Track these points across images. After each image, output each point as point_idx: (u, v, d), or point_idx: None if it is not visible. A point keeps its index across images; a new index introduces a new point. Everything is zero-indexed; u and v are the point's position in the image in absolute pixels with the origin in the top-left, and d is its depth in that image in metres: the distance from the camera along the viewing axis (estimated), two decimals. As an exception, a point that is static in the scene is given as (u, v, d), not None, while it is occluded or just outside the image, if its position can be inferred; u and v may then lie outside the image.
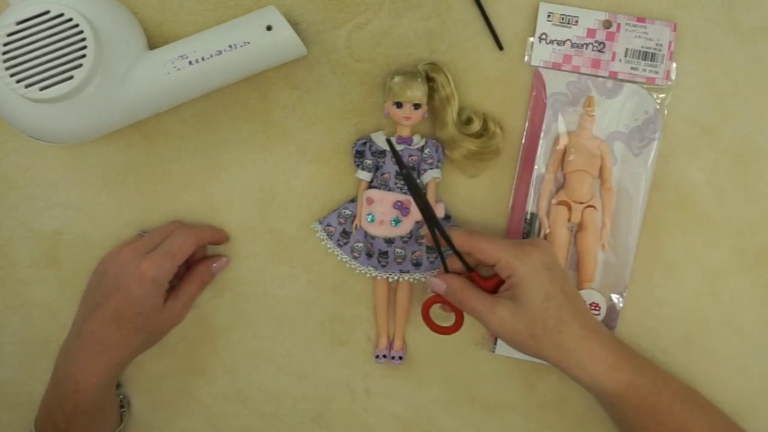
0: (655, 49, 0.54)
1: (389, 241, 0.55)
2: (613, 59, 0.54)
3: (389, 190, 0.54)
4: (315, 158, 0.57)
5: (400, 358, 0.58)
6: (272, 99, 0.56)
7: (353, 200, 0.56)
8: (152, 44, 0.53)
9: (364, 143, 0.55)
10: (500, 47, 0.55)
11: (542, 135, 0.55)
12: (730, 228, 0.56)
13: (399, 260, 0.55)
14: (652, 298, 0.57)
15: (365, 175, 0.55)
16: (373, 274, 0.55)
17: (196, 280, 0.55)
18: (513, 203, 0.56)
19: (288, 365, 0.59)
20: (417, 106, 0.53)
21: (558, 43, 0.54)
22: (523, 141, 0.56)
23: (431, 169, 0.54)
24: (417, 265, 0.55)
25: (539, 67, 0.55)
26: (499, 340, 0.56)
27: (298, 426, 0.60)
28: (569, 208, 0.55)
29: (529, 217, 0.55)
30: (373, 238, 0.55)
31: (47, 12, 0.46)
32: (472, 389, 0.59)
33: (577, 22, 0.54)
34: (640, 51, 0.54)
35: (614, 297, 0.56)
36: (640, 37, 0.54)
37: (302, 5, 0.55)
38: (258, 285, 0.58)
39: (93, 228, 0.58)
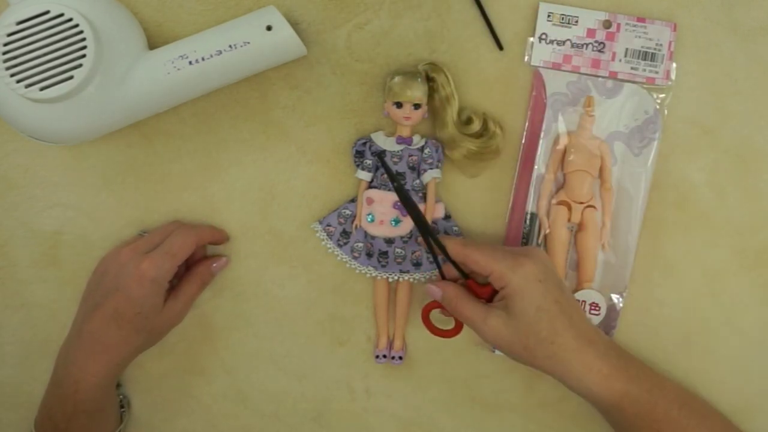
0: (655, 49, 0.54)
1: (389, 241, 0.55)
2: (613, 59, 0.54)
3: (389, 190, 0.54)
4: (315, 158, 0.57)
5: (400, 358, 0.58)
6: (272, 99, 0.56)
7: (353, 200, 0.56)
8: (152, 44, 0.53)
9: (364, 143, 0.55)
10: (500, 47, 0.55)
11: (542, 135, 0.55)
12: (730, 228, 0.56)
13: (399, 260, 0.55)
14: (652, 298, 0.57)
15: (365, 175, 0.55)
16: (373, 274, 0.55)
17: (196, 280, 0.55)
18: (513, 203, 0.56)
19: (288, 365, 0.59)
20: (417, 106, 0.53)
21: (558, 43, 0.54)
22: (523, 141, 0.56)
23: (431, 169, 0.54)
24: (417, 265, 0.55)
25: (539, 67, 0.55)
26: (499, 340, 0.56)
27: (298, 426, 0.60)
28: (569, 208, 0.55)
29: (529, 217, 0.55)
30: (373, 238, 0.55)
31: (47, 12, 0.46)
32: (472, 389, 0.59)
33: (577, 22, 0.54)
34: (640, 51, 0.54)
35: (614, 297, 0.56)
36: (640, 37, 0.54)
37: (302, 5, 0.55)
38: (258, 285, 0.58)
39: (93, 228, 0.58)
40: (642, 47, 0.54)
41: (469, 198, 0.57)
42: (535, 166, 0.55)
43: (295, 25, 0.54)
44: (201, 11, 0.55)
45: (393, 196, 0.54)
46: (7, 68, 0.46)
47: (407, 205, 0.50)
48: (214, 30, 0.51)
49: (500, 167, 0.56)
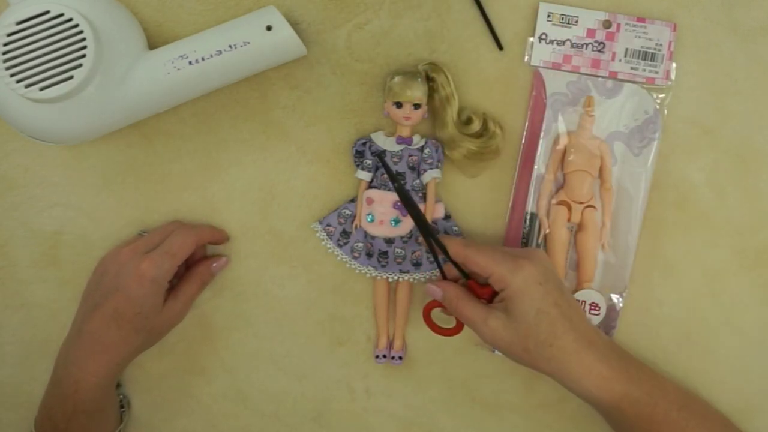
0: (655, 49, 0.54)
1: (389, 241, 0.55)
2: (613, 59, 0.54)
3: (389, 190, 0.54)
4: (315, 158, 0.57)
5: (400, 358, 0.58)
6: (272, 99, 0.56)
7: (353, 200, 0.56)
8: (152, 44, 0.53)
9: (364, 143, 0.55)
10: (500, 47, 0.55)
11: (542, 135, 0.55)
12: (730, 228, 0.56)
13: (399, 260, 0.55)
14: (652, 298, 0.57)
15: (365, 175, 0.55)
16: (373, 274, 0.55)
17: (196, 280, 0.55)
18: (513, 203, 0.56)
19: (288, 365, 0.59)
20: (417, 106, 0.53)
21: (558, 43, 0.54)
22: (523, 141, 0.56)
23: (431, 169, 0.54)
24: (417, 265, 0.55)
25: (539, 67, 0.55)
26: (499, 340, 0.56)
27: (298, 426, 0.60)
28: (569, 208, 0.55)
29: (529, 217, 0.55)
30: (373, 238, 0.55)
31: (47, 12, 0.46)
32: (472, 389, 0.59)
33: (577, 22, 0.54)
34: (640, 51, 0.54)
35: (614, 297, 0.56)
36: (640, 37, 0.54)
37: (302, 5, 0.55)
38: (258, 285, 0.58)
39: (93, 228, 0.58)
40: (642, 47, 0.54)
41: (469, 198, 0.57)
42: (535, 166, 0.55)
43: (295, 25, 0.54)
44: (201, 11, 0.55)
45: (393, 196, 0.54)
46: (7, 68, 0.46)
47: (408, 205, 0.50)
48: (214, 30, 0.51)
49: (500, 167, 0.56)
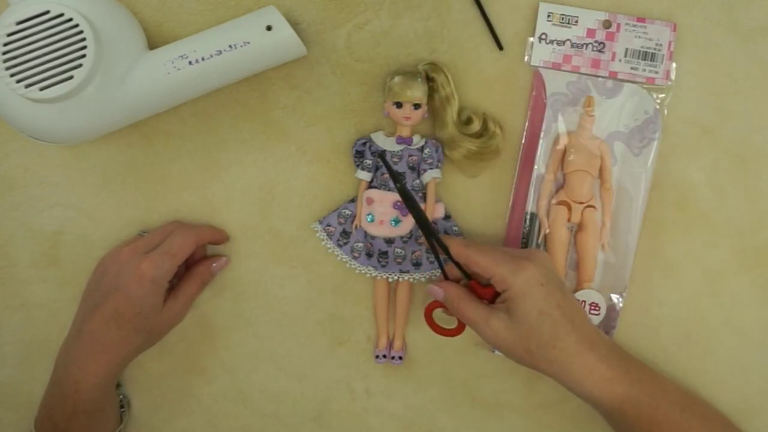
0: (655, 49, 0.54)
1: (389, 241, 0.55)
2: (613, 59, 0.54)
3: (389, 190, 0.54)
4: (315, 158, 0.57)
5: (400, 358, 0.58)
6: (272, 99, 0.56)
7: (353, 200, 0.56)
8: (152, 44, 0.53)
9: (364, 143, 0.55)
10: (500, 47, 0.55)
11: (542, 135, 0.55)
12: (730, 228, 0.56)
13: (399, 260, 0.55)
14: (652, 298, 0.57)
15: (365, 175, 0.55)
16: (373, 274, 0.55)
17: (196, 280, 0.55)
18: (513, 203, 0.56)
19: (288, 365, 0.59)
20: (417, 106, 0.53)
21: (558, 43, 0.54)
22: (523, 141, 0.56)
23: (431, 169, 0.54)
24: (417, 265, 0.55)
25: (539, 67, 0.55)
26: (499, 340, 0.56)
27: (298, 426, 0.60)
28: (569, 208, 0.55)
29: (529, 217, 0.55)
30: (373, 238, 0.55)
31: (47, 12, 0.46)
32: (472, 389, 0.59)
33: (577, 22, 0.54)
34: (640, 51, 0.54)
35: (614, 297, 0.56)
36: (640, 37, 0.54)
37: (302, 5, 0.55)
38: (258, 285, 0.58)
39: (93, 228, 0.58)
40: (642, 47, 0.54)
41: (469, 198, 0.57)
42: (535, 166, 0.55)
43: (295, 25, 0.54)
44: (201, 11, 0.55)
45: (393, 196, 0.54)
46: (7, 68, 0.46)
47: (410, 205, 0.50)
48: (214, 30, 0.51)
49: (500, 167, 0.56)
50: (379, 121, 0.56)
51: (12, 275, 0.58)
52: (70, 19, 0.47)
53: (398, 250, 0.55)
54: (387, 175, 0.54)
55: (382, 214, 0.54)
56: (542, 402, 0.59)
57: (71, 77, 0.46)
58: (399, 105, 0.53)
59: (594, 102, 0.54)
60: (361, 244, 0.55)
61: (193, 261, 0.56)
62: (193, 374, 0.59)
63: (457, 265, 0.51)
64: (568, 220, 0.55)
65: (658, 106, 0.54)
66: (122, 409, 0.58)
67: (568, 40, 0.54)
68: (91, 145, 0.57)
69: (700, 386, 0.57)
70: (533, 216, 0.55)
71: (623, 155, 0.55)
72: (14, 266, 0.58)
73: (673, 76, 0.55)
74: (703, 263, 0.57)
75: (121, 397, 0.58)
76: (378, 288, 0.57)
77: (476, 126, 0.54)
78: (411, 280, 0.56)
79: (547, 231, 0.55)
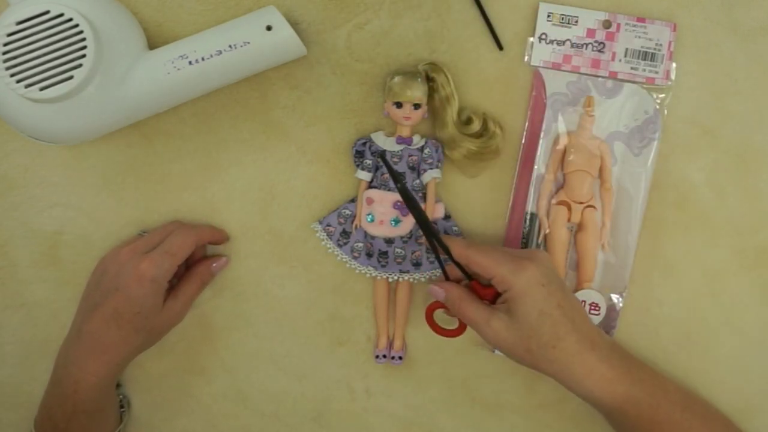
0: (655, 49, 0.54)
1: (389, 241, 0.55)
2: (613, 59, 0.54)
3: (389, 190, 0.54)
4: (315, 158, 0.57)
5: (400, 358, 0.58)
6: (272, 99, 0.56)
7: (353, 200, 0.56)
8: (152, 44, 0.53)
9: (364, 143, 0.55)
10: (500, 47, 0.55)
11: (542, 135, 0.55)
12: (730, 228, 0.56)
13: (399, 260, 0.55)
14: (652, 298, 0.57)
15: (365, 175, 0.55)
16: (373, 274, 0.55)
17: (195, 279, 0.55)
18: (513, 203, 0.56)
19: (288, 365, 0.59)
20: (417, 106, 0.53)
21: (558, 43, 0.54)
22: (523, 141, 0.56)
23: (431, 169, 0.54)
24: (417, 265, 0.55)
25: (539, 67, 0.55)
26: (499, 340, 0.56)
27: (298, 426, 0.60)
28: (569, 208, 0.55)
29: (529, 217, 0.55)
30: (373, 238, 0.55)
31: (47, 12, 0.46)
32: (472, 389, 0.59)
33: (577, 22, 0.54)
34: (640, 51, 0.54)
35: (614, 297, 0.56)
36: (639, 37, 0.54)
37: (302, 5, 0.55)
38: (258, 285, 0.58)
39: (93, 228, 0.58)
40: (642, 47, 0.54)
41: (469, 198, 0.57)
42: (535, 166, 0.55)
43: (295, 25, 0.54)
44: (201, 11, 0.55)
45: (393, 196, 0.54)
46: (7, 68, 0.46)
47: (411, 205, 0.50)
48: (214, 30, 0.51)
49: (500, 167, 0.56)
50: (379, 121, 0.56)
51: (12, 275, 0.58)
52: (70, 19, 0.47)
53: (398, 250, 0.55)
54: (387, 175, 0.54)
55: (382, 214, 0.54)
56: (542, 402, 0.59)
57: (71, 77, 0.46)
58: (399, 105, 0.53)
59: (594, 102, 0.54)
60: (361, 244, 0.55)
61: (193, 261, 0.56)
62: (193, 374, 0.59)
63: (458, 265, 0.51)
64: (568, 220, 0.55)
65: (658, 106, 0.54)
66: (122, 409, 0.58)
67: (568, 40, 0.54)
68: (91, 145, 0.57)
69: (700, 386, 0.57)
70: (533, 216, 0.55)
71: (623, 155, 0.55)
72: (14, 266, 0.58)
73: (673, 76, 0.55)
74: (703, 263, 0.57)
75: (121, 397, 0.58)
76: (378, 288, 0.57)
77: (476, 126, 0.54)
78: (411, 280, 0.56)
79: (547, 231, 0.55)
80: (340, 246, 0.56)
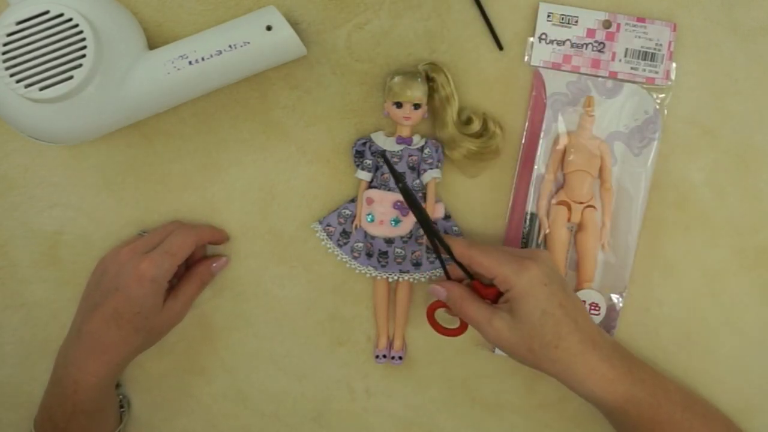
0: (654, 49, 0.54)
1: (389, 241, 0.55)
2: (613, 59, 0.54)
3: (389, 190, 0.54)
4: (315, 158, 0.57)
5: (400, 358, 0.58)
6: (272, 99, 0.56)
7: (353, 200, 0.56)
8: (152, 44, 0.53)
9: (364, 143, 0.55)
10: (500, 47, 0.55)
11: (542, 135, 0.55)
12: (730, 228, 0.56)
13: (399, 260, 0.55)
14: (652, 298, 0.57)
15: (365, 175, 0.55)
16: (373, 274, 0.55)
17: (195, 279, 0.55)
18: (513, 203, 0.56)
19: (288, 365, 0.59)
20: (417, 106, 0.53)
21: (558, 43, 0.54)
22: (523, 141, 0.56)
23: (431, 169, 0.54)
24: (417, 265, 0.55)
25: (539, 67, 0.55)
26: (499, 340, 0.56)
27: (298, 426, 0.60)
28: (569, 208, 0.55)
29: (529, 217, 0.55)
30: (373, 238, 0.55)
31: (47, 12, 0.46)
32: (472, 389, 0.59)
33: (577, 22, 0.54)
34: (640, 51, 0.54)
35: (614, 297, 0.56)
36: (639, 37, 0.54)
37: (302, 5, 0.55)
38: (258, 285, 0.58)
39: (93, 228, 0.58)
40: (642, 47, 0.54)
41: (469, 198, 0.57)
42: (535, 166, 0.55)
43: (295, 25, 0.54)
44: (201, 11, 0.55)
45: (393, 196, 0.54)
46: (7, 68, 0.46)
47: (412, 205, 0.50)
48: (214, 30, 0.51)
49: (500, 167, 0.56)
50: (379, 121, 0.56)
51: (12, 275, 0.58)
52: (70, 19, 0.47)
53: (398, 250, 0.55)
54: (387, 175, 0.54)
55: (382, 214, 0.54)
56: (542, 402, 0.59)
57: (71, 77, 0.46)
58: (399, 105, 0.53)
59: (594, 102, 0.54)
60: (361, 244, 0.55)
61: (193, 261, 0.56)
62: (193, 374, 0.59)
63: (460, 265, 0.51)
64: (568, 220, 0.55)
65: (658, 106, 0.54)
66: (122, 409, 0.58)
67: (568, 40, 0.54)
68: (91, 145, 0.57)
69: (701, 386, 0.57)
70: (533, 216, 0.55)
71: (623, 155, 0.55)
72: (14, 266, 0.58)
73: (673, 76, 0.55)
74: (703, 263, 0.57)
75: (121, 397, 0.58)
76: (378, 288, 0.57)
77: (476, 126, 0.54)
78: (411, 280, 0.56)
79: (547, 231, 0.55)
80: (340, 246, 0.56)
